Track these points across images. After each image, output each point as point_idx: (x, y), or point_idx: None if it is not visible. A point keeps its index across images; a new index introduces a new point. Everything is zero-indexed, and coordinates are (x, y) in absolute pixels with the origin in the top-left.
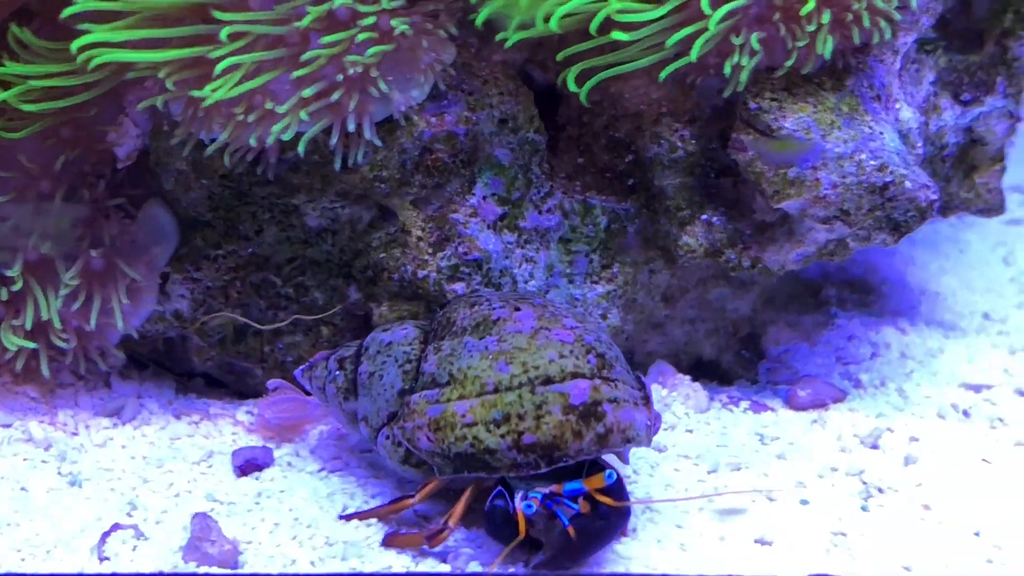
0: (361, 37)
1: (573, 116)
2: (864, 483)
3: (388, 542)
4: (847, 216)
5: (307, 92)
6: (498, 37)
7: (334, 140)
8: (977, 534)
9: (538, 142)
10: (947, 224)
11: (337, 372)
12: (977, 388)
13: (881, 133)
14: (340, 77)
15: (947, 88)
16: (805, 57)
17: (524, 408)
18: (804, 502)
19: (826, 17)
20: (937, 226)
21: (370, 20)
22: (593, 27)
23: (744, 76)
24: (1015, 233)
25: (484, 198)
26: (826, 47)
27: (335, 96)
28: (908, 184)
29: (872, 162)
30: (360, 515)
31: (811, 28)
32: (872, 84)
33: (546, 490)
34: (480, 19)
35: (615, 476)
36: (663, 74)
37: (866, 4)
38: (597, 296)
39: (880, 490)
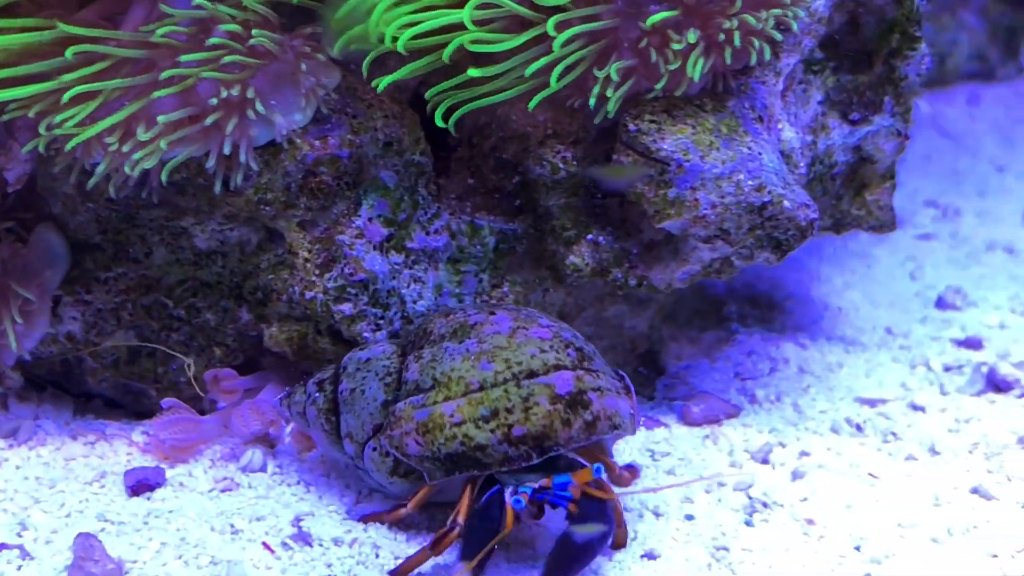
0: (228, 59)
1: (464, 138)
2: (750, 498)
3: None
4: (727, 235)
5: (163, 118)
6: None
7: (211, 163)
8: (858, 548)
9: (424, 164)
10: (856, 239)
11: (317, 394)
12: (872, 403)
13: (760, 153)
14: (215, 101)
15: (836, 108)
16: (677, 80)
17: (511, 401)
18: (690, 517)
19: (692, 37)
20: (846, 241)
21: (231, 26)
22: (446, 55)
23: (612, 105)
24: (925, 248)
25: (370, 220)
26: (696, 70)
27: (209, 120)
28: (787, 204)
29: (750, 182)
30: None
31: (679, 47)
32: (754, 105)
33: (535, 484)
34: (336, 49)
35: (602, 469)
36: (532, 103)
37: (738, 24)
38: None
39: (765, 505)
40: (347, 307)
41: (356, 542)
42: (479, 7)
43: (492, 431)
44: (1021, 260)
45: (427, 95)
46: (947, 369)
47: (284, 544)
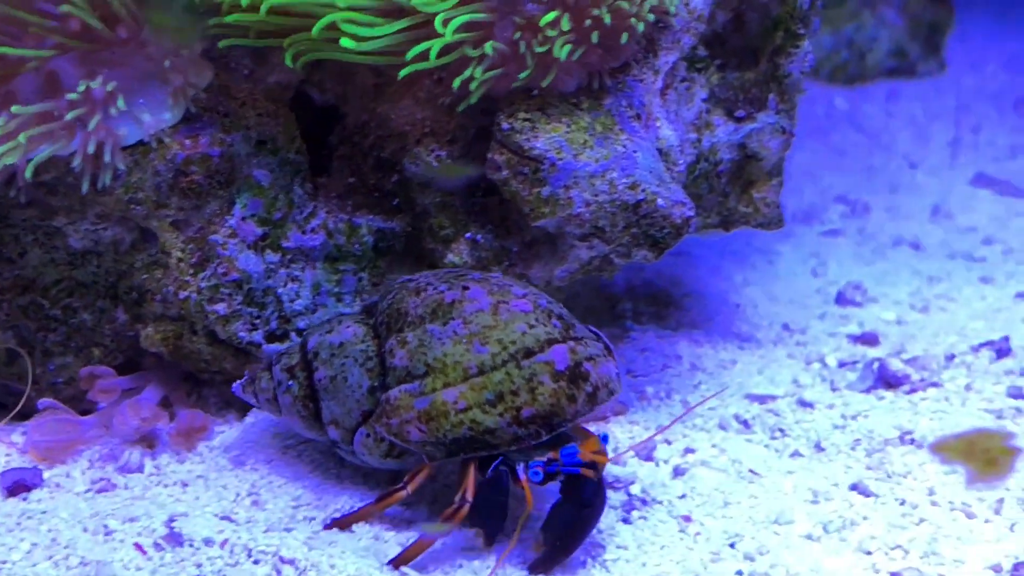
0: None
1: (346, 136)
2: (630, 495)
3: (403, 560)
4: (603, 233)
5: (16, 109)
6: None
7: (76, 163)
8: (732, 545)
9: (300, 162)
10: (761, 235)
11: (290, 382)
12: (762, 399)
13: (635, 152)
14: (73, 96)
15: (721, 105)
16: (545, 69)
17: (515, 384)
18: None
19: (565, 24)
20: (750, 238)
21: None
22: (315, 31)
23: (475, 86)
24: (831, 244)
25: (243, 219)
26: (563, 51)
27: (70, 115)
28: (660, 202)
29: (624, 180)
30: (347, 519)
31: (552, 33)
32: (631, 103)
33: (543, 459)
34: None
35: (608, 437)
36: (402, 72)
37: (608, 11)
38: None
39: (644, 502)
40: (221, 307)
41: (227, 543)
42: None
43: (501, 415)
44: (926, 256)
45: (286, 43)
46: (842, 365)
47: (156, 545)
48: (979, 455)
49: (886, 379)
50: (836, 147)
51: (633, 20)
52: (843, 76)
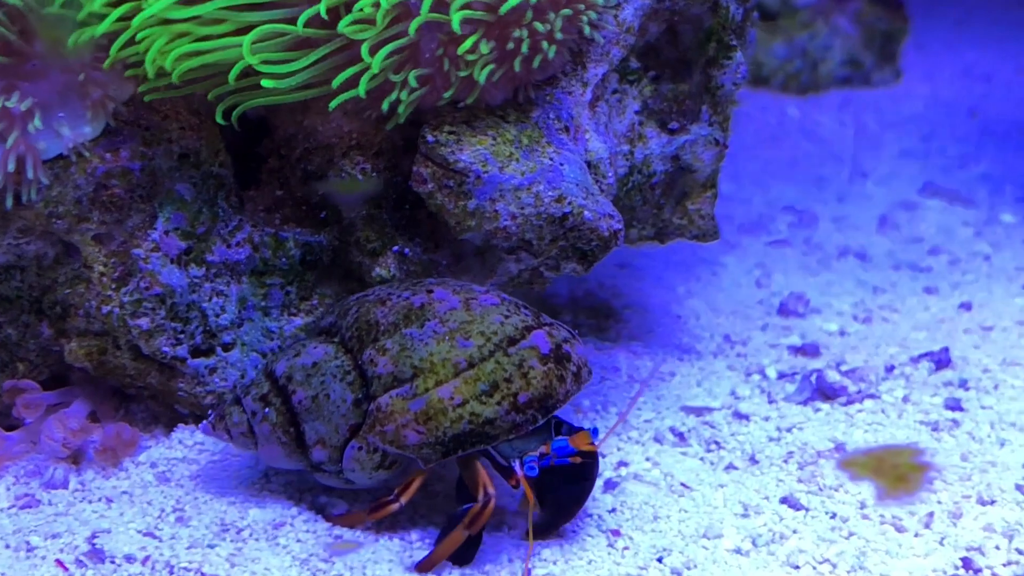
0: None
1: (274, 149)
2: None
3: (427, 566)
4: (530, 246)
5: None
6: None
7: None
8: (660, 560)
9: (224, 176)
10: (707, 246)
11: (266, 410)
12: (699, 411)
13: (562, 164)
14: None
15: (654, 117)
16: (468, 88)
17: (507, 371)
18: None
19: (484, 48)
20: (696, 248)
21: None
22: (231, 78)
23: (403, 108)
24: (777, 254)
25: (166, 233)
26: (482, 74)
27: None
28: (588, 214)
29: (550, 193)
30: (340, 519)
31: (472, 57)
32: (559, 115)
33: (536, 453)
34: (106, 64)
35: (599, 431)
36: (333, 104)
37: (528, 33)
38: (295, 328)
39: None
40: (144, 321)
41: (149, 559)
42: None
43: (499, 403)
44: (871, 266)
45: (209, 96)
46: (781, 376)
47: (78, 561)
48: (889, 471)
49: (823, 391)
50: (787, 157)
51: (545, 43)
52: (796, 86)
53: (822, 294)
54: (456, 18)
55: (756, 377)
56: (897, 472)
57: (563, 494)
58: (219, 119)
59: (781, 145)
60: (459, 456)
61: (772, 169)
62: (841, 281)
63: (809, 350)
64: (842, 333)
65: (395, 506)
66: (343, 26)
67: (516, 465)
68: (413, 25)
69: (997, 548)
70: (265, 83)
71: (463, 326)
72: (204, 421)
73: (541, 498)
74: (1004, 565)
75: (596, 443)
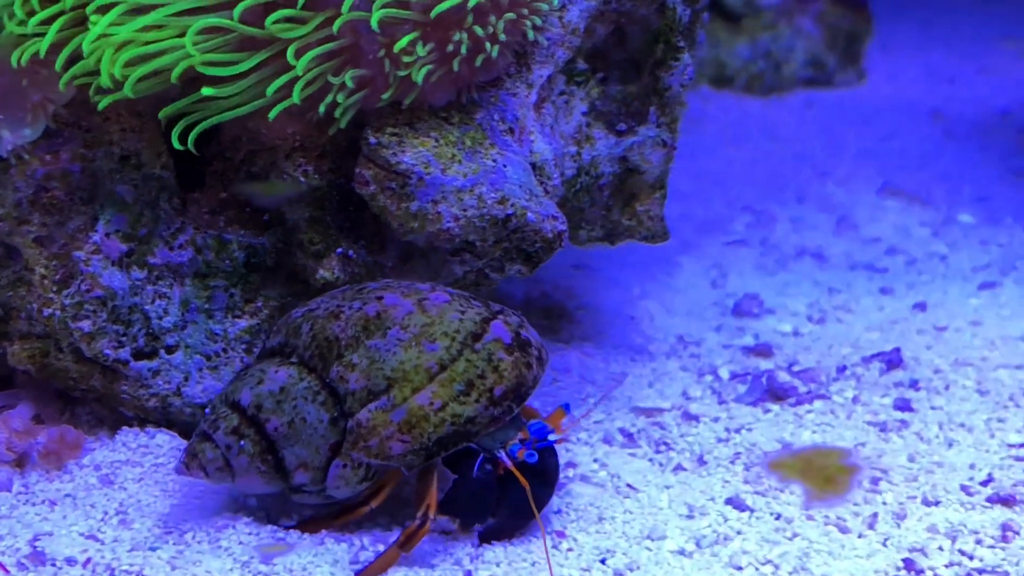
0: None
1: (219, 151)
2: None
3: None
4: (474, 248)
5: None
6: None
7: None
8: (603, 561)
9: (166, 178)
10: (664, 246)
11: (241, 443)
12: (649, 412)
13: (505, 166)
14: None
15: (602, 118)
16: (407, 89)
17: (479, 368)
18: None
19: (421, 50)
20: (652, 248)
21: None
22: (174, 77)
23: (340, 112)
24: (734, 255)
25: (107, 235)
26: (419, 75)
27: None
28: (531, 216)
29: (493, 195)
30: (304, 524)
31: (409, 59)
32: (504, 117)
33: (516, 441)
34: (62, 83)
35: (570, 406)
36: (272, 113)
37: (468, 35)
38: (240, 330)
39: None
40: (86, 324)
41: (90, 562)
42: (205, 31)
43: (476, 400)
44: (828, 266)
45: (160, 115)
46: (734, 377)
47: (20, 564)
48: (816, 473)
49: (774, 392)
50: (748, 157)
51: (488, 44)
52: (759, 86)
53: (778, 295)
54: (376, 16)
55: (708, 378)
56: (825, 474)
57: (550, 471)
58: (176, 144)
59: (743, 146)
60: (442, 457)
61: (733, 169)
62: (797, 281)
63: (762, 351)
64: (796, 334)
65: (365, 509)
66: (270, 22)
67: (502, 455)
68: (337, 24)
69: (940, 549)
70: (206, 91)
71: (424, 329)
72: (177, 462)
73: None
74: (947, 566)
75: (571, 417)
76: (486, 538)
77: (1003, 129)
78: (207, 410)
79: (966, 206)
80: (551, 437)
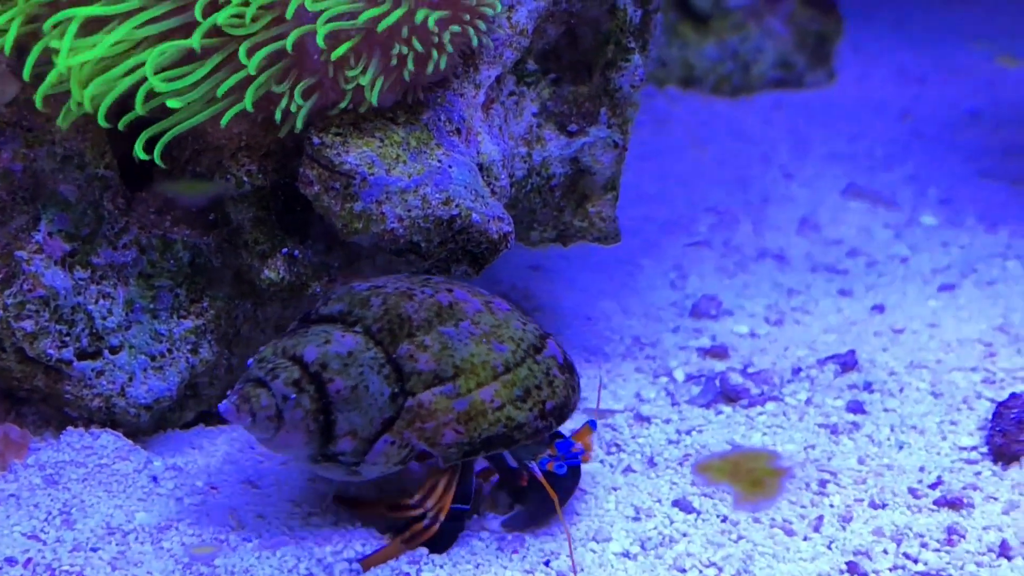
0: None
1: (166, 150)
2: None
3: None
4: (419, 249)
5: None
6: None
7: None
8: (547, 563)
9: (109, 178)
10: (624, 247)
11: (299, 395)
12: (602, 414)
13: (450, 167)
14: None
15: (553, 119)
16: (361, 96)
17: (538, 379)
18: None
19: (371, 73)
20: (614, 249)
21: None
22: (139, 108)
23: (300, 119)
24: (695, 256)
25: (50, 235)
26: (373, 93)
27: None
28: (476, 217)
29: (437, 196)
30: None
31: (355, 73)
32: (451, 118)
33: (545, 454)
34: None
35: (596, 423)
36: (224, 119)
37: (409, 49)
38: (185, 331)
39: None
40: (28, 324)
41: (31, 562)
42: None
43: (530, 409)
44: (789, 268)
45: (120, 125)
46: (689, 379)
47: None
48: (744, 476)
49: (727, 393)
50: (714, 158)
51: (435, 52)
52: (728, 87)
53: (737, 296)
54: (322, 32)
55: (664, 379)
56: (753, 477)
57: (569, 485)
58: (141, 154)
59: (709, 147)
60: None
61: (699, 170)
62: (757, 283)
63: (718, 352)
64: (752, 335)
65: (435, 528)
66: (223, 18)
67: (534, 466)
68: (290, 40)
69: (885, 552)
70: (172, 103)
71: (494, 329)
72: (225, 402)
73: (525, 494)
74: (890, 570)
75: (596, 434)
76: (508, 526)
77: (972, 130)
78: (250, 361)
79: (930, 207)
80: (578, 455)
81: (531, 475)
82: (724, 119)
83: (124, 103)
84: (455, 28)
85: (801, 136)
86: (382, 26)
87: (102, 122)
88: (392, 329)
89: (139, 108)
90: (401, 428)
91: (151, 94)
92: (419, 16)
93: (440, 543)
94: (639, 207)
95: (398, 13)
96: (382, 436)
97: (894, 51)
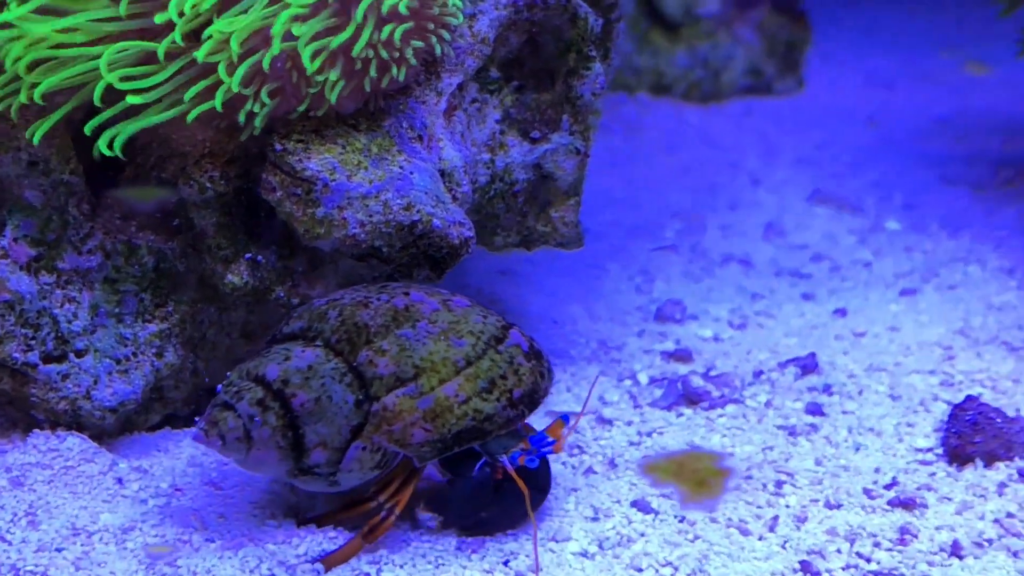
0: None
1: (132, 157)
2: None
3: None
4: (380, 254)
5: None
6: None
7: None
8: (506, 563)
9: (75, 184)
10: (591, 251)
11: (266, 414)
12: (565, 416)
13: (411, 172)
14: None
15: (516, 126)
16: (320, 102)
17: (502, 369)
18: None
19: (334, 75)
20: (580, 254)
21: None
22: (96, 98)
23: (259, 122)
24: (662, 261)
25: (15, 240)
26: (333, 94)
27: None
28: (437, 222)
29: (399, 201)
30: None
31: (320, 78)
32: (412, 124)
33: (517, 448)
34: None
35: (569, 416)
36: (191, 116)
37: (373, 52)
38: (150, 335)
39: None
40: None
41: None
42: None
43: (497, 399)
44: (754, 273)
45: (86, 128)
46: (652, 382)
47: None
48: (689, 476)
49: (688, 396)
50: (683, 164)
51: (394, 68)
52: (698, 94)
53: (702, 300)
54: (307, 53)
55: (627, 383)
56: (698, 477)
57: (543, 478)
58: (105, 150)
59: (679, 153)
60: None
61: (668, 176)
62: (722, 287)
63: (682, 356)
64: (716, 339)
65: (391, 521)
66: (202, 56)
67: (505, 460)
68: (266, 60)
69: (839, 552)
70: (131, 99)
71: (452, 326)
72: (195, 429)
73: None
74: (843, 569)
75: (568, 429)
76: (472, 531)
77: (938, 137)
78: (219, 387)
79: (895, 213)
80: (549, 446)
81: (504, 470)
82: (694, 126)
83: (91, 108)
84: (417, 43)
85: (770, 143)
86: (357, 49)
87: (38, 99)
88: (351, 338)
89: (96, 100)
90: (370, 433)
91: (111, 90)
92: (384, 32)
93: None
94: (608, 212)
95: (367, 33)
96: (353, 443)
97: (863, 59)
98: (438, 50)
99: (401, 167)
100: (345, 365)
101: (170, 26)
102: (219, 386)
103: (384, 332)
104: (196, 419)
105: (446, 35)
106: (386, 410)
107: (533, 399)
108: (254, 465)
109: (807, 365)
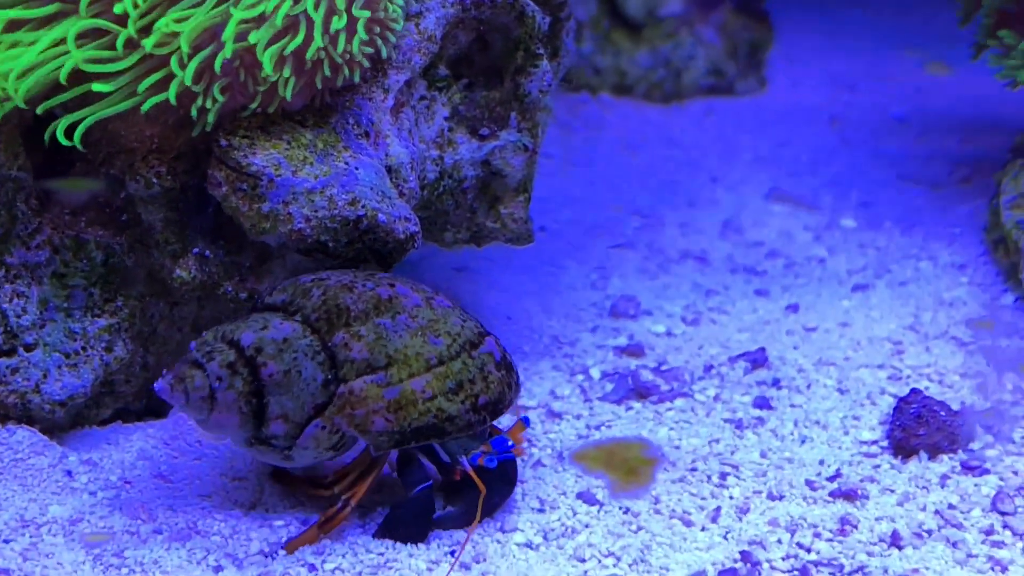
0: None
1: (81, 153)
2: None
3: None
4: (326, 248)
5: None
6: None
7: None
8: (451, 553)
9: (23, 179)
10: (548, 248)
11: (233, 378)
12: (526, 419)
13: (357, 168)
14: None
15: (465, 123)
16: (271, 99)
17: (471, 373)
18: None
19: (287, 72)
20: (539, 250)
21: None
22: (63, 77)
23: (211, 118)
24: (619, 257)
25: None
26: (287, 90)
27: None
28: (382, 217)
29: (344, 196)
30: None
31: (274, 77)
32: (359, 121)
33: (478, 450)
34: None
35: (529, 419)
36: (145, 106)
37: (325, 54)
38: (99, 329)
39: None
40: None
41: None
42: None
43: (462, 402)
44: (709, 270)
45: (38, 110)
46: (604, 376)
47: None
48: (619, 465)
49: (638, 390)
50: (644, 163)
51: (347, 70)
52: (660, 94)
53: (656, 296)
54: (267, 57)
55: (580, 377)
56: (627, 465)
57: (510, 475)
58: (62, 139)
59: (640, 152)
60: (407, 448)
61: (628, 175)
62: (677, 284)
63: (634, 351)
64: (669, 334)
65: (347, 512)
66: (149, 46)
67: (464, 461)
68: (217, 62)
69: (779, 542)
70: (97, 87)
71: (431, 323)
72: (160, 380)
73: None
74: (783, 559)
75: (529, 430)
76: (440, 524)
77: (898, 136)
78: (192, 344)
79: (851, 210)
80: (509, 450)
81: (463, 470)
82: (656, 125)
83: (46, 94)
84: (368, 50)
85: (730, 142)
86: (310, 53)
87: (21, 100)
88: (330, 318)
89: (62, 79)
90: (332, 414)
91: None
92: (340, 42)
93: (405, 527)
94: (567, 210)
95: (318, 39)
96: (313, 421)
97: (825, 59)
98: (383, 52)
99: (347, 163)
100: (320, 344)
101: (128, 18)
102: (192, 343)
103: (364, 318)
104: (164, 371)
105: (391, 37)
106: (352, 394)
107: (497, 408)
108: (214, 427)
109: (757, 359)
